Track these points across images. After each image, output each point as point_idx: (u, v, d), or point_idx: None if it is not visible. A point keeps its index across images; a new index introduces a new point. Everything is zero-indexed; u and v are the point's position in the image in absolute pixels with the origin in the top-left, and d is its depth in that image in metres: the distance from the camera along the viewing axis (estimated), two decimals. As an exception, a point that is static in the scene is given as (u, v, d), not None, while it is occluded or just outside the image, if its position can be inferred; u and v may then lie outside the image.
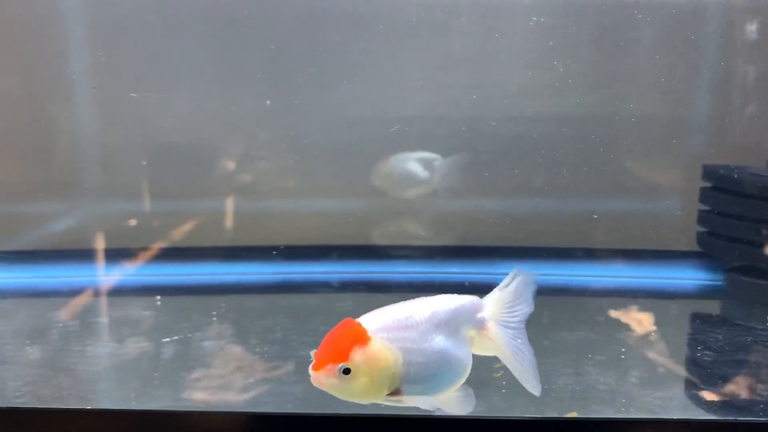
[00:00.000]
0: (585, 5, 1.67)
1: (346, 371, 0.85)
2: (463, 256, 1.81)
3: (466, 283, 1.71)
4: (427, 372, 0.90)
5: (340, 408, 1.02)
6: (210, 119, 1.78)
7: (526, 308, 0.95)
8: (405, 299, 0.91)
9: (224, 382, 1.19)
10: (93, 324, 1.48)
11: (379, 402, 0.90)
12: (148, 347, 1.34)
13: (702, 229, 1.63)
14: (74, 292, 1.69)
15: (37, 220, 1.80)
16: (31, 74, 1.75)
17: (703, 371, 1.27)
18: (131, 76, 1.74)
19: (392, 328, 0.89)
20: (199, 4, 1.72)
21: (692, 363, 1.32)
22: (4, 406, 1.10)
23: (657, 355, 1.33)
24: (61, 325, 1.48)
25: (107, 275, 1.75)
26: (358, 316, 0.89)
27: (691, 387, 1.22)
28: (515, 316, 0.95)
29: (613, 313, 1.54)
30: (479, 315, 0.94)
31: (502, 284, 0.96)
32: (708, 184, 1.61)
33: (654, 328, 1.44)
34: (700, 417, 1.12)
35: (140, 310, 1.55)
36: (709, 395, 1.18)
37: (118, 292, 1.70)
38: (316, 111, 1.76)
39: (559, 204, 1.79)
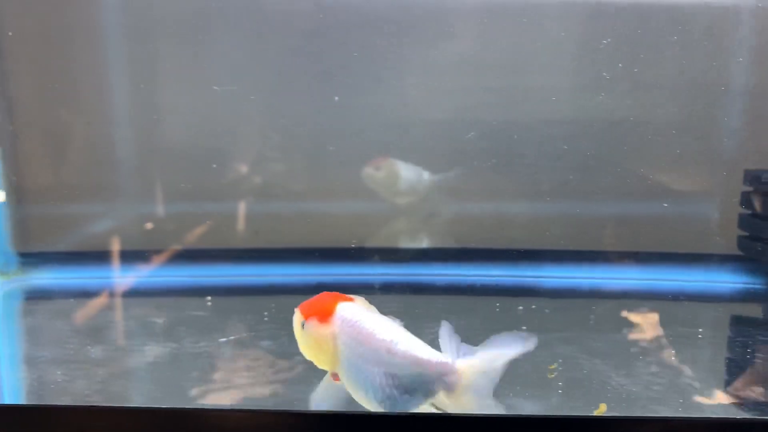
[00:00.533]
0: (618, 11, 1.70)
1: (303, 326, 0.98)
2: (501, 259, 1.83)
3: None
4: (356, 384, 0.95)
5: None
6: (250, 123, 1.81)
7: (496, 376, 0.93)
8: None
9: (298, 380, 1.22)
10: (149, 324, 1.50)
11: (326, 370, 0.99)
12: (206, 347, 1.37)
13: (743, 232, 1.65)
14: (125, 293, 1.73)
15: (80, 221, 1.84)
16: (73, 81, 1.79)
17: (752, 373, 1.29)
18: (174, 80, 1.79)
19: (353, 326, 0.96)
20: (239, 7, 1.75)
21: (739, 365, 1.34)
22: (31, 404, 1.14)
23: (703, 357, 1.35)
24: (117, 325, 1.52)
25: (155, 276, 1.78)
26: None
27: (741, 388, 1.24)
28: (486, 381, 0.93)
29: (628, 315, 1.57)
30: (447, 378, 0.92)
31: (489, 346, 0.95)
32: (749, 188, 1.63)
33: (661, 330, 1.46)
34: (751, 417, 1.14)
35: (193, 311, 1.58)
36: (760, 396, 1.20)
37: (167, 292, 1.73)
38: (352, 114, 1.79)
39: (595, 207, 1.81)
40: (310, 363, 1.01)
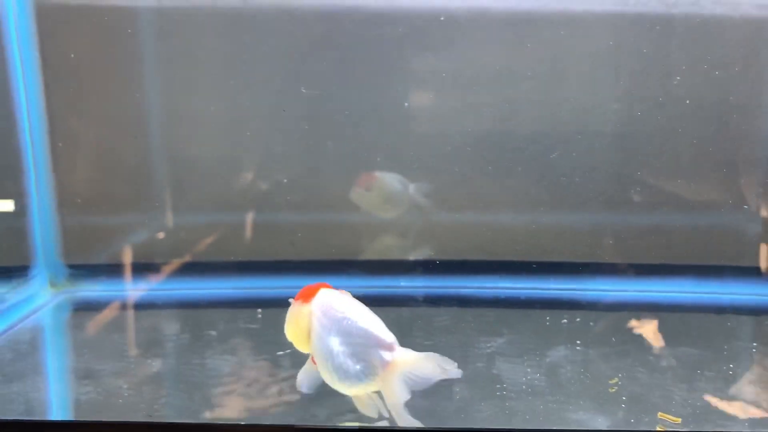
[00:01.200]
0: (654, 24, 1.71)
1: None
2: (535, 272, 1.84)
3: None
4: (319, 359, 1.08)
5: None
6: (285, 135, 1.82)
7: (425, 382, 1.04)
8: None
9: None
10: (203, 336, 1.51)
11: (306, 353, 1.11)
12: (265, 359, 1.38)
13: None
14: (175, 305, 1.75)
15: (126, 232, 1.85)
16: (115, 96, 1.81)
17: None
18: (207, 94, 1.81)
19: (326, 307, 1.09)
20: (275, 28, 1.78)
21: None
22: (79, 420, 1.16)
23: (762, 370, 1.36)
24: (170, 337, 1.53)
25: (203, 288, 1.80)
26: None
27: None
28: (413, 379, 1.04)
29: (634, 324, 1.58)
30: (384, 354, 1.05)
31: (431, 354, 1.04)
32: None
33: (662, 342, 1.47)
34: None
35: (245, 323, 1.59)
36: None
37: (216, 304, 1.75)
38: (387, 126, 1.80)
39: (630, 218, 1.82)
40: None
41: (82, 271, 1.82)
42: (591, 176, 1.81)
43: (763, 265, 1.78)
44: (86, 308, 1.75)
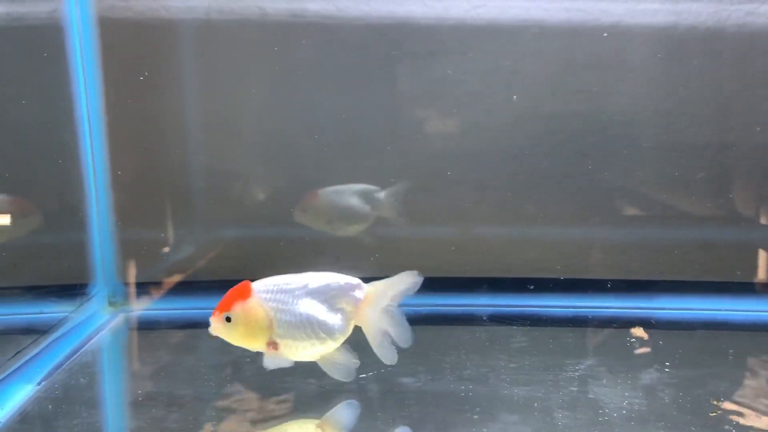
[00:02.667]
0: (705, 35, 1.70)
1: (229, 319, 1.10)
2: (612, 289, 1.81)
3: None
4: (295, 330, 1.10)
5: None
6: (334, 148, 1.79)
7: (400, 300, 1.14)
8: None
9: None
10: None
11: (260, 350, 1.13)
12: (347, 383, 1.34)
13: None
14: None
15: (184, 250, 1.82)
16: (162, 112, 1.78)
17: None
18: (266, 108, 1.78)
19: (271, 291, 1.11)
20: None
21: None
22: None
23: None
24: (241, 359, 1.49)
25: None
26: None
27: None
28: (389, 304, 1.14)
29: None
30: (354, 293, 1.14)
31: (391, 277, 1.14)
32: None
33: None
34: None
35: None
36: None
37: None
38: (435, 137, 1.78)
39: (681, 233, 1.80)
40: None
41: (138, 289, 1.78)
42: (638, 190, 1.79)
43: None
44: (146, 327, 1.72)
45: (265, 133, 1.82)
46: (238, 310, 1.10)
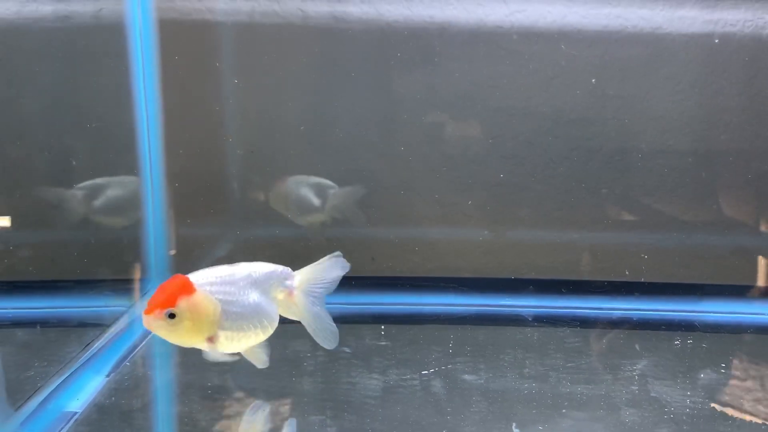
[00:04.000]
0: (740, 44, 1.73)
1: (172, 316, 1.04)
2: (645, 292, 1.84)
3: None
4: (242, 321, 1.09)
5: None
6: (369, 150, 1.82)
7: (330, 285, 1.17)
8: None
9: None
10: (337, 354, 1.49)
11: (198, 347, 1.09)
12: (411, 378, 1.36)
13: None
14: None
15: (235, 250, 1.84)
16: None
17: None
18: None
19: (215, 283, 1.08)
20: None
21: None
22: None
23: None
24: (305, 354, 1.51)
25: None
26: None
27: None
28: (319, 289, 1.16)
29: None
30: (288, 282, 1.15)
31: (317, 262, 1.16)
32: None
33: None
34: None
35: (373, 340, 1.58)
36: None
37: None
38: (467, 141, 1.82)
39: (713, 238, 1.83)
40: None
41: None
42: (672, 196, 1.82)
43: None
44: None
45: (309, 133, 1.85)
46: (183, 305, 1.04)
